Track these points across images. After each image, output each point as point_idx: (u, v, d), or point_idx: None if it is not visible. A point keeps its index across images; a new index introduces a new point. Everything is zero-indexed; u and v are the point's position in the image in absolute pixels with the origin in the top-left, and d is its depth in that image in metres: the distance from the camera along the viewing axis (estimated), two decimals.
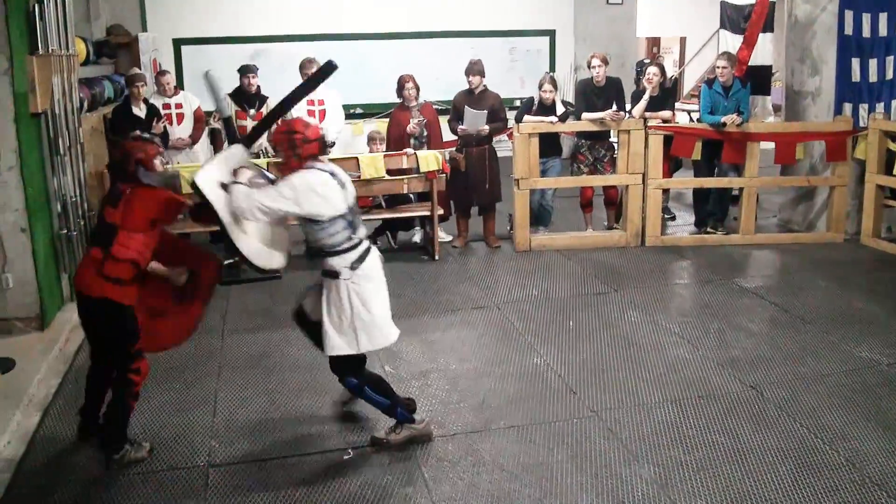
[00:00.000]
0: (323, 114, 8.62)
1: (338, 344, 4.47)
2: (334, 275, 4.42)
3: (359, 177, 7.83)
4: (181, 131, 8.78)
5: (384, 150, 8.37)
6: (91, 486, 4.33)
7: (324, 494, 4.15)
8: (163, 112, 8.58)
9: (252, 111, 8.53)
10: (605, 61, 8.39)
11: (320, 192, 4.30)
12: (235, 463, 4.49)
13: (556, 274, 7.71)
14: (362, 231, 4.55)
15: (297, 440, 4.70)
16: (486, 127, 8.20)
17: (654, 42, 17.94)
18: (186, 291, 4.77)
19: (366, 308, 4.44)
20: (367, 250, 4.51)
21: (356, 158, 7.95)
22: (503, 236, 8.78)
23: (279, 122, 4.88)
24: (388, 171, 7.94)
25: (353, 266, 4.41)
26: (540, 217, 8.80)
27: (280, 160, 4.61)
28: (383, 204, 8.37)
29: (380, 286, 4.56)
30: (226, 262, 7.99)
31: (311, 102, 8.42)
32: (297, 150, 4.39)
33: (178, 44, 12.54)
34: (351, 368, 4.58)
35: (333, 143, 8.68)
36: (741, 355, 5.73)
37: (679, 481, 4.16)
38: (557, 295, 7.13)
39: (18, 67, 6.06)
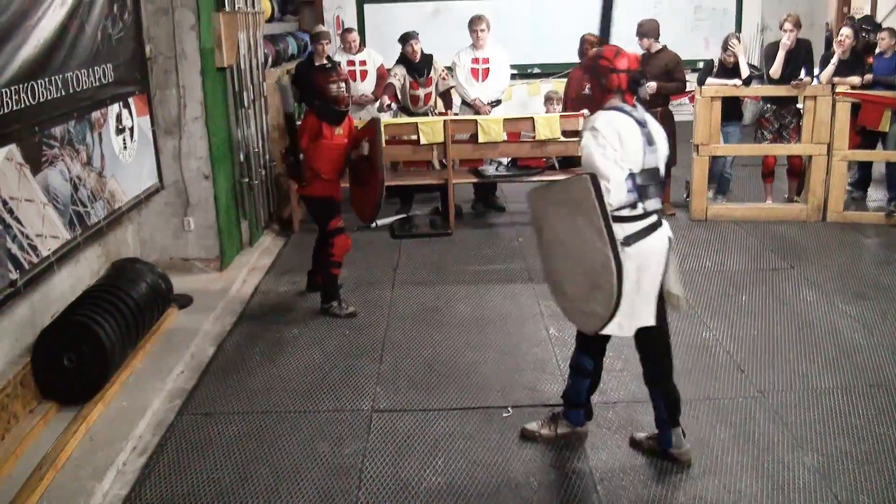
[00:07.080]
0: (486, 72, 8.53)
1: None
2: None
3: (533, 137, 7.87)
4: (364, 87, 8.95)
5: (561, 110, 8.31)
6: (256, 417, 4.63)
7: (482, 448, 4.25)
8: (347, 69, 8.83)
9: (422, 79, 8.46)
10: (797, 24, 7.94)
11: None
12: (398, 410, 4.67)
13: (731, 246, 7.49)
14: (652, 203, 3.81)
15: (459, 394, 4.83)
16: (653, 84, 7.55)
17: (845, 1, 16.83)
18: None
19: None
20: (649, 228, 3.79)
21: (532, 118, 7.95)
22: (678, 204, 8.54)
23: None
24: (564, 133, 7.90)
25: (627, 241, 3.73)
26: (718, 185, 8.53)
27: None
28: (556, 165, 8.34)
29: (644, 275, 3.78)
30: (399, 217, 8.30)
31: (476, 61, 8.44)
32: (603, 79, 3.77)
33: (360, 2, 12.79)
34: (588, 345, 4.14)
35: (499, 102, 8.68)
36: None
37: (842, 473, 4.01)
38: (731, 268, 6.95)
39: (205, 23, 6.40)
